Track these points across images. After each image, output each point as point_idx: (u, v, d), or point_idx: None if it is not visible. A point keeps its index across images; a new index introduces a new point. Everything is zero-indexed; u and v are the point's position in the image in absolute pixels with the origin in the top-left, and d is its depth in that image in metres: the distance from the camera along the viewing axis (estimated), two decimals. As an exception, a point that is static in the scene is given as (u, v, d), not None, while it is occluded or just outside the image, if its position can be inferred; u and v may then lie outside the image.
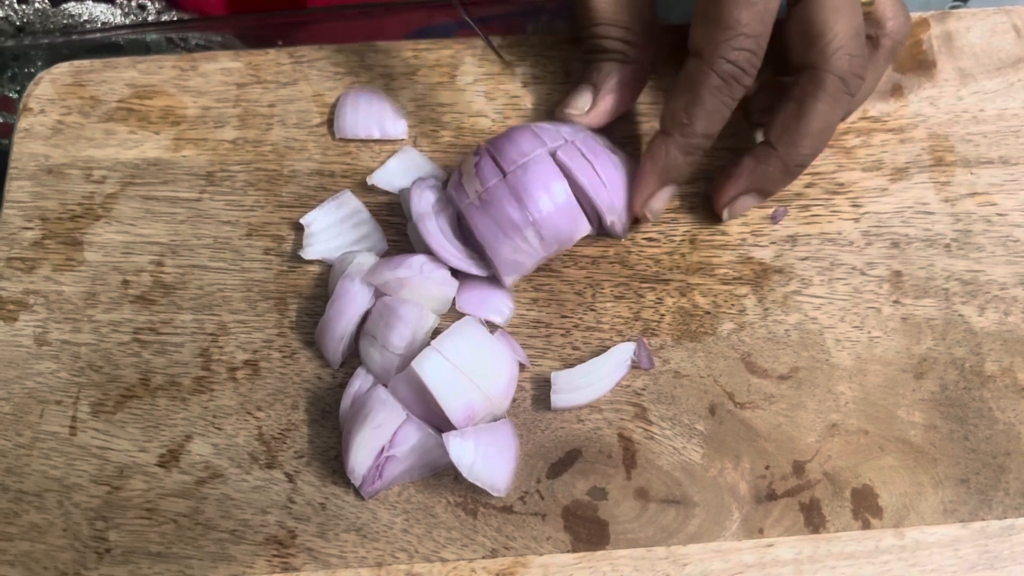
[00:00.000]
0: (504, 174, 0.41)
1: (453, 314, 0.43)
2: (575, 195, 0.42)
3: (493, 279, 0.44)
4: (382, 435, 0.39)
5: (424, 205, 0.43)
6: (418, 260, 0.42)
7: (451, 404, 0.39)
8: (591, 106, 0.45)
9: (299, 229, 0.46)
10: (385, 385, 0.41)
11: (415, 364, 0.39)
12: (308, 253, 0.45)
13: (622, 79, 0.45)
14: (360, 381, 0.42)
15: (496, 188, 0.41)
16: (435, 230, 0.42)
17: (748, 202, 0.44)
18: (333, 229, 0.45)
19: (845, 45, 0.40)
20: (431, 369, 0.39)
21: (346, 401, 0.41)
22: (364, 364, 0.42)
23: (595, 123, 0.45)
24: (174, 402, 0.43)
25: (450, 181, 0.43)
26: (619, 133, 0.48)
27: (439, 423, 0.40)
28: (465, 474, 0.39)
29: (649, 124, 0.49)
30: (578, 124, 0.45)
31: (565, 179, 0.42)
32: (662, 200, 0.43)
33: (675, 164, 0.42)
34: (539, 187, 0.41)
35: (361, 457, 0.39)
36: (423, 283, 0.42)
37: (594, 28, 0.45)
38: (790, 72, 0.42)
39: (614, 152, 0.44)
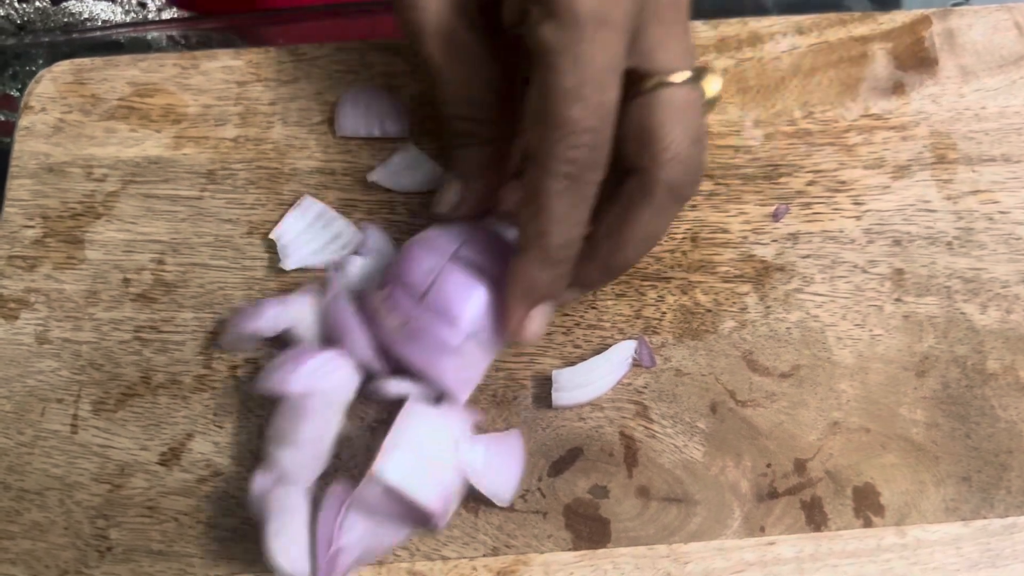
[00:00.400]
0: (419, 298, 0.40)
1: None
2: (493, 288, 0.40)
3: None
4: (301, 539, 0.37)
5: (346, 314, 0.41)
6: (317, 360, 0.40)
7: (426, 496, 0.37)
8: (459, 198, 0.42)
9: (300, 227, 0.46)
10: (296, 481, 0.39)
11: (378, 470, 0.37)
12: (288, 264, 0.45)
13: (483, 162, 0.42)
14: (263, 480, 0.39)
15: (418, 315, 0.39)
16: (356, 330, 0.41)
17: (549, 310, 0.39)
18: (304, 235, 0.45)
19: (680, 153, 0.37)
20: (394, 469, 0.37)
21: (255, 502, 0.39)
22: (267, 463, 0.39)
23: (468, 215, 0.42)
24: (175, 400, 0.43)
25: (363, 320, 0.41)
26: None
27: (415, 518, 0.38)
28: (474, 481, 0.39)
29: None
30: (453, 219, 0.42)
31: (480, 278, 0.40)
32: (538, 322, 0.39)
33: (540, 282, 0.38)
34: (460, 298, 0.39)
35: (290, 557, 0.38)
36: (327, 378, 0.40)
37: (445, 113, 0.42)
38: (619, 170, 0.38)
39: (507, 233, 0.42)
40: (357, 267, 0.44)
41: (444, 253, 0.40)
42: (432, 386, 0.40)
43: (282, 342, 0.43)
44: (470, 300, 0.40)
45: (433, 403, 0.40)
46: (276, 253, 0.45)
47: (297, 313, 0.42)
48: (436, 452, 0.38)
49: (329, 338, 0.42)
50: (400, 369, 0.41)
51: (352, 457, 0.41)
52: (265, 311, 0.42)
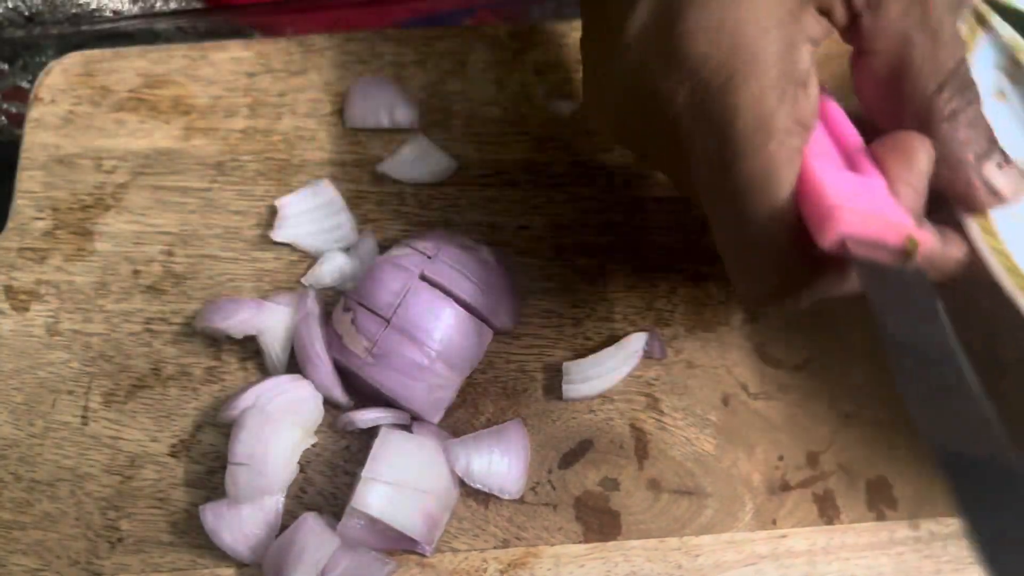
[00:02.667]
0: (387, 320, 0.39)
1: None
2: (462, 307, 0.40)
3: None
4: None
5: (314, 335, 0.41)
6: (269, 384, 0.40)
7: (409, 523, 0.37)
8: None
9: (309, 218, 0.46)
10: (245, 501, 0.39)
11: (357, 502, 0.37)
12: (277, 236, 0.45)
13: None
14: (215, 509, 0.39)
15: (386, 338, 0.39)
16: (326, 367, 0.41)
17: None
18: (305, 216, 0.45)
19: None
20: (376, 499, 0.37)
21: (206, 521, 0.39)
22: (230, 490, 0.39)
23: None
24: (185, 392, 0.43)
25: (328, 344, 0.41)
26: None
27: (402, 546, 0.39)
28: (473, 484, 0.39)
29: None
30: None
31: (448, 298, 0.40)
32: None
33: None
34: (428, 319, 0.39)
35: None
36: (288, 402, 0.40)
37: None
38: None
39: (476, 250, 0.42)
40: (337, 264, 0.44)
41: (410, 273, 0.40)
42: (403, 409, 0.40)
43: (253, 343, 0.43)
44: (438, 319, 0.39)
45: (407, 426, 0.40)
46: (285, 245, 0.45)
47: (269, 322, 0.42)
48: (415, 478, 0.38)
49: (296, 357, 0.41)
50: (369, 395, 0.41)
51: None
52: (238, 312, 0.41)
